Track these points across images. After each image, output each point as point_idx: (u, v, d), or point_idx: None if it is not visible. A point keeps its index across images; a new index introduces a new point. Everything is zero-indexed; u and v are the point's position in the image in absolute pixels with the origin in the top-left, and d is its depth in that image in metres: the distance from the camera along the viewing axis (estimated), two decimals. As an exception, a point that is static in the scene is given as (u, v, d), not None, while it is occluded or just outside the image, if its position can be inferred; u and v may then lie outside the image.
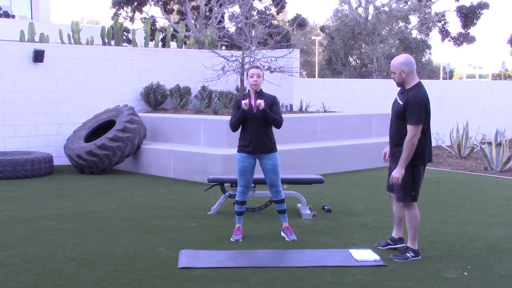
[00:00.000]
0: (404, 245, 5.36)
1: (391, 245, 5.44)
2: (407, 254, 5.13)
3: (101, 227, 6.28)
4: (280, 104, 12.09)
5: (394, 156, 5.16)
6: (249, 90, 5.90)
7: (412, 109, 4.92)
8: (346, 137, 11.41)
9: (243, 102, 5.67)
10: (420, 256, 5.15)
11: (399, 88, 5.21)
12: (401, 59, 5.12)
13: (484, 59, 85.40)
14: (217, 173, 8.74)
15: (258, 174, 7.64)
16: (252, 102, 5.74)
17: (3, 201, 7.91)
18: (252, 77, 5.75)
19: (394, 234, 5.48)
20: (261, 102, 5.65)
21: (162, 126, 11.21)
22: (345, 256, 5.12)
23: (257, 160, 5.85)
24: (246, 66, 11.92)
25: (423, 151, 5.05)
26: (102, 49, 12.77)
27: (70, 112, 11.84)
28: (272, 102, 5.81)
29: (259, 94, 5.81)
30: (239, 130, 5.91)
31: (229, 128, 5.97)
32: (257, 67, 5.88)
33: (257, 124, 5.74)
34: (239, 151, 5.86)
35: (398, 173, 4.99)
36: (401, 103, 5.03)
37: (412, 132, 4.92)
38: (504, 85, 20.13)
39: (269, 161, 5.80)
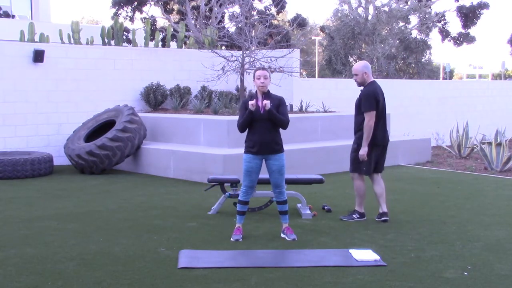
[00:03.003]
0: (387, 218, 6.46)
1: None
2: (354, 216, 6.55)
3: (101, 227, 6.28)
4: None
5: (355, 142, 6.51)
6: (256, 91, 5.92)
7: (365, 100, 6.37)
8: (346, 137, 11.37)
9: (250, 103, 5.69)
10: (365, 217, 6.54)
11: (360, 87, 6.55)
12: (362, 64, 6.59)
13: (484, 59, 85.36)
14: (217, 173, 8.74)
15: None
16: (259, 103, 5.75)
17: (3, 201, 7.91)
18: (259, 78, 5.80)
19: (380, 209, 6.55)
20: (267, 103, 5.66)
21: (162, 126, 11.21)
22: (345, 256, 5.12)
23: (264, 161, 5.86)
24: (246, 66, 11.93)
25: (375, 134, 6.38)
26: (102, 49, 12.77)
27: (70, 112, 11.84)
28: (279, 103, 5.84)
29: (266, 95, 5.84)
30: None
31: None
32: (264, 68, 5.95)
33: (263, 125, 5.75)
34: (245, 152, 5.87)
35: (362, 151, 6.36)
36: (358, 98, 6.49)
37: (368, 117, 6.32)
38: (504, 85, 20.12)
39: (276, 161, 5.83)
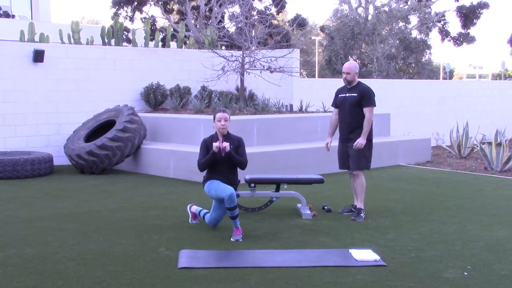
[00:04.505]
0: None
1: (353, 211, 6.80)
2: (361, 214, 6.64)
3: (101, 227, 6.28)
4: (280, 104, 12.13)
5: (350, 140, 6.69)
6: (216, 133, 6.06)
7: (369, 96, 6.66)
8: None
9: (214, 145, 5.87)
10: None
11: (347, 86, 6.78)
12: (355, 64, 6.87)
13: (484, 59, 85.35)
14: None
15: (258, 174, 7.66)
16: (221, 145, 5.93)
17: (3, 201, 7.91)
18: (219, 121, 5.98)
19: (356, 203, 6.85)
20: (226, 145, 5.87)
21: (162, 126, 11.21)
22: (345, 256, 5.12)
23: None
24: (246, 66, 11.94)
25: (371, 131, 6.70)
26: (102, 49, 12.77)
27: (70, 112, 11.84)
28: (238, 144, 6.07)
29: (226, 136, 6.03)
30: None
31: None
32: (223, 111, 6.07)
33: (224, 166, 6.00)
34: (207, 180, 6.04)
35: (362, 140, 6.55)
36: (355, 95, 6.66)
37: (370, 112, 6.61)
38: (504, 85, 20.13)
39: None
